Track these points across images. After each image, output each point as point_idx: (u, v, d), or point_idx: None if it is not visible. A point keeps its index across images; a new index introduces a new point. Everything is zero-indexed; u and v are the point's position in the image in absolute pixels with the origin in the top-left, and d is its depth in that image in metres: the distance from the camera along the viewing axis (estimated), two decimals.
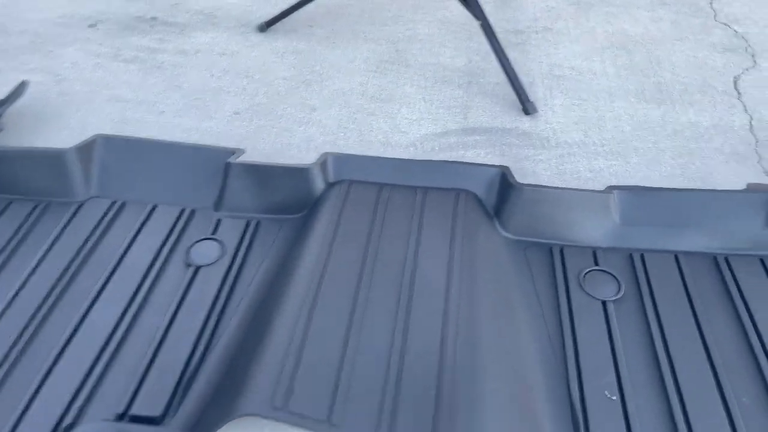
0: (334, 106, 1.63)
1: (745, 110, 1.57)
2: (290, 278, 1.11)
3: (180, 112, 1.60)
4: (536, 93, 1.66)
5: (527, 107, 1.58)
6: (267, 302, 1.10)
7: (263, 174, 1.29)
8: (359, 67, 1.78)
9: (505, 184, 1.27)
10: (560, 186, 1.34)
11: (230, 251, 1.20)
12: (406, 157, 1.46)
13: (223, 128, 1.55)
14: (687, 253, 1.20)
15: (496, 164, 1.36)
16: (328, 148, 1.48)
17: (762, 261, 1.18)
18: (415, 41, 1.89)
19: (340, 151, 1.47)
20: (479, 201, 1.28)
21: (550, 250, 1.22)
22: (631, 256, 1.20)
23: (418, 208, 1.24)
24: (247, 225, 1.26)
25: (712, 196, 1.24)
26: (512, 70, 1.60)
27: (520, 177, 1.40)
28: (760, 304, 1.10)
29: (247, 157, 1.38)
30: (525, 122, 1.56)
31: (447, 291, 1.08)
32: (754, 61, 1.75)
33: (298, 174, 1.28)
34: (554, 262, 1.19)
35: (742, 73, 1.71)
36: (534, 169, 1.42)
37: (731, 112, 1.57)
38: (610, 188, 1.26)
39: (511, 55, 1.69)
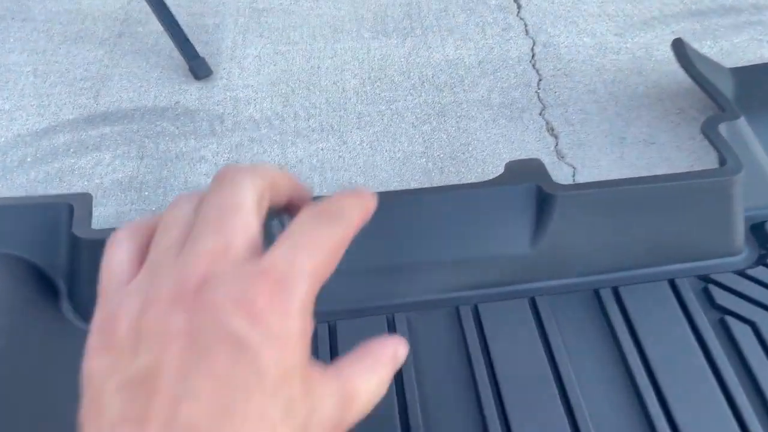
0: None
1: (527, 32, 1.06)
2: None
3: None
4: (222, 40, 1.07)
5: (194, 67, 0.98)
6: None
7: None
8: None
9: (70, 233, 0.68)
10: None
11: None
12: None
13: None
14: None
15: (65, 193, 0.77)
16: None
17: (533, 303, 0.68)
18: None
19: None
20: (34, 269, 0.69)
21: None
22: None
23: None
24: None
25: (446, 199, 0.71)
26: (162, 4, 0.99)
27: (162, 195, 0.82)
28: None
29: None
30: (192, 92, 0.97)
31: None
32: None
33: None
34: None
35: None
36: (188, 176, 0.85)
37: (506, 36, 1.05)
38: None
39: None
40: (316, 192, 0.82)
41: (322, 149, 0.88)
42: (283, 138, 0.90)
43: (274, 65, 1.02)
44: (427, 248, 0.70)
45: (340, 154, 0.87)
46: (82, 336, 0.63)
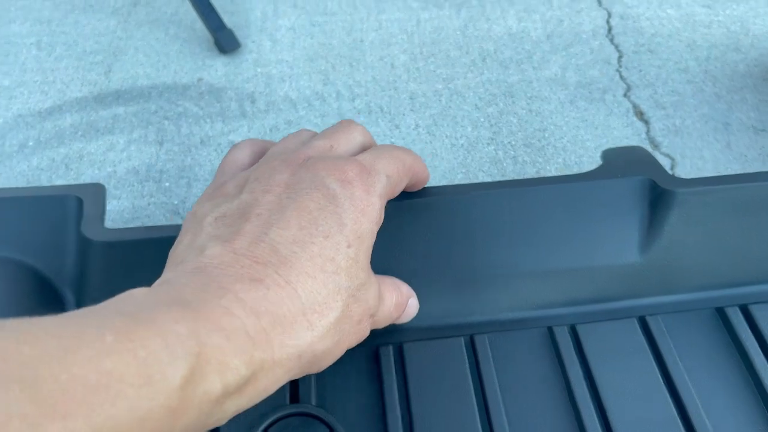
0: None
1: (599, 2, 0.93)
2: None
3: None
4: (250, 10, 0.94)
5: (220, 39, 0.86)
6: None
7: None
8: None
9: (79, 233, 0.56)
10: None
11: None
12: None
13: None
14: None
15: (83, 183, 0.64)
16: None
17: (644, 323, 0.55)
18: None
19: None
20: (36, 276, 0.57)
21: None
22: (376, 354, 0.54)
23: None
24: None
25: (534, 196, 0.58)
26: None
27: (186, 187, 0.70)
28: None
29: None
30: (218, 68, 0.85)
31: None
32: None
33: None
34: None
35: None
36: (215, 164, 0.73)
37: (576, 7, 0.92)
38: None
39: None
40: None
41: (371, 134, 0.75)
42: (324, 121, 0.77)
43: (311, 38, 0.89)
44: (511, 256, 0.57)
45: (392, 139, 0.75)
46: None
